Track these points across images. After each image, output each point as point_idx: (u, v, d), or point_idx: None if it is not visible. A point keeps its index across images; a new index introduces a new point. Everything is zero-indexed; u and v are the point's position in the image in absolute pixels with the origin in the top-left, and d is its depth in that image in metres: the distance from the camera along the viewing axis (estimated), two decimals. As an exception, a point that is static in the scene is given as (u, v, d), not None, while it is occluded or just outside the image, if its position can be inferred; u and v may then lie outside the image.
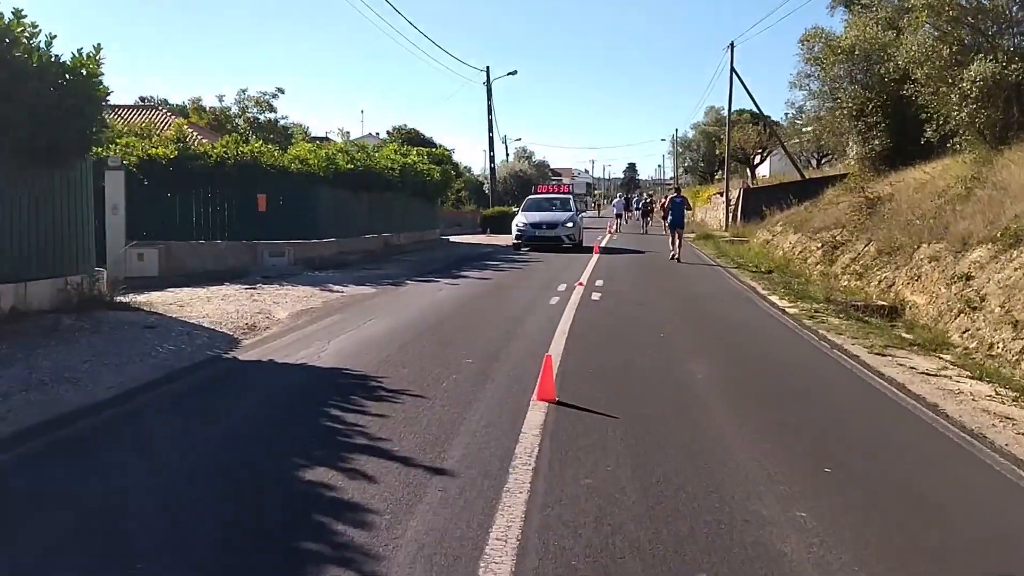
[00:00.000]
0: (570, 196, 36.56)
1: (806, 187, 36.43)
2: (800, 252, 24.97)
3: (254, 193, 20.03)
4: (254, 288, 15.72)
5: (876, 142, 28.15)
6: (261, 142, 24.35)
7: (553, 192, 37.69)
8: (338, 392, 7.74)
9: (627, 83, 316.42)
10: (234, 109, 60.76)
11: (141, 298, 13.10)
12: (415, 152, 34.31)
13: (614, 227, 45.95)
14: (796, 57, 42.63)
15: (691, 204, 36.27)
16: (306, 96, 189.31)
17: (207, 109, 59.84)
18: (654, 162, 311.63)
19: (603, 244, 32.60)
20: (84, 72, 10.39)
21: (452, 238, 38.95)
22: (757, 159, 57.02)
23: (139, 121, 29.84)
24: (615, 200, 56.56)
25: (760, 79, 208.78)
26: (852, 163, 47.93)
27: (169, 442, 6.31)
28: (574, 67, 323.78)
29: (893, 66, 24.54)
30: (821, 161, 52.72)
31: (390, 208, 28.88)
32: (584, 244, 30.67)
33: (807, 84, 31.53)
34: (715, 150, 74.44)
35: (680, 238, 26.25)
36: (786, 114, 54.47)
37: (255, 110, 61.88)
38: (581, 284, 17.38)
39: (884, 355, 10.27)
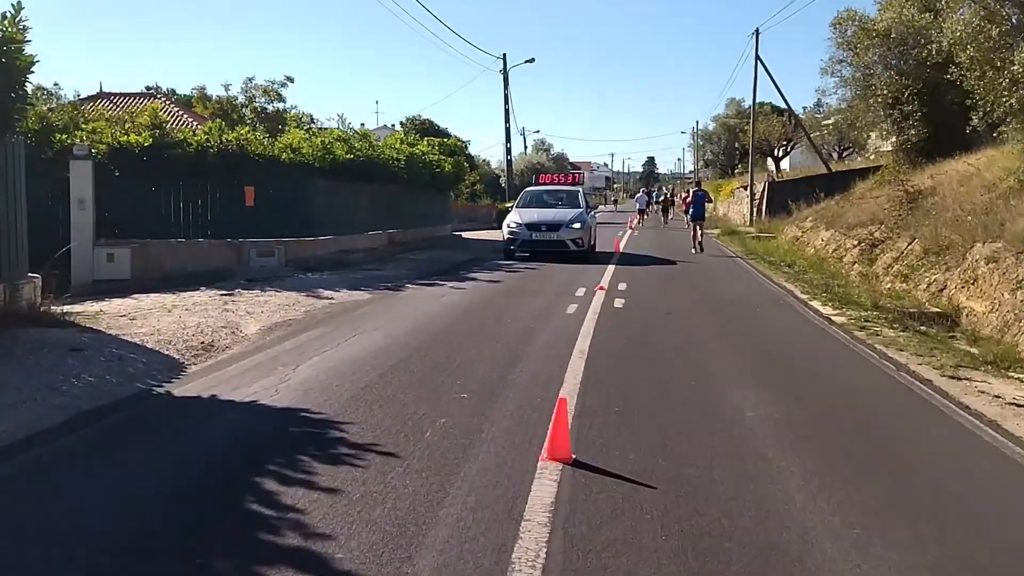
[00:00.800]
0: (579, 189, 29.02)
1: (832, 180, 34.67)
2: (835, 250, 23.16)
3: (240, 185, 18.12)
4: (231, 294, 13.90)
5: (912, 132, 26.09)
6: (248, 129, 22.37)
7: (559, 183, 31.92)
8: (285, 448, 5.80)
9: (647, 76, 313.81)
10: (241, 99, 59.05)
11: (92, 307, 11.29)
12: (424, 142, 32.35)
13: (635, 222, 44.17)
14: (827, 42, 40.22)
15: (712, 198, 35.64)
16: (318, 86, 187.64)
17: (212, 98, 58.14)
18: (673, 156, 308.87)
19: (624, 241, 30.65)
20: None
21: (465, 234, 37.02)
22: (781, 152, 54.64)
23: (139, 111, 27.95)
24: (638, 195, 54.88)
25: (784, 70, 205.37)
26: (872, 156, 46.19)
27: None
28: (593, 59, 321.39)
29: (935, 48, 22.47)
30: (843, 154, 50.59)
31: (396, 202, 26.89)
32: (600, 250, 24.83)
33: (838, 70, 29.34)
34: (735, 143, 72.67)
35: (701, 230, 26.89)
36: (804, 107, 52.43)
37: (263, 99, 60.16)
38: (602, 288, 15.44)
39: (959, 378, 8.49)
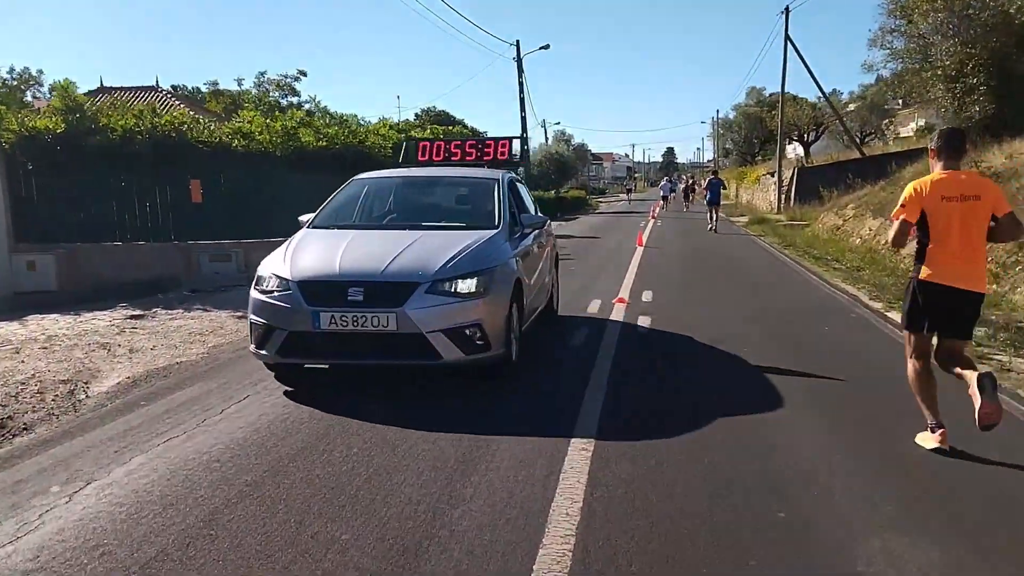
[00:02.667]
0: (501, 179, 8.60)
1: (865, 165, 30.92)
2: (887, 242, 19.24)
3: (186, 179, 14.51)
4: (141, 316, 10.35)
5: (976, 108, 22.10)
6: (190, 112, 18.69)
7: (454, 156, 12.76)
8: None
9: (667, 65, 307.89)
10: (254, 92, 55.58)
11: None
12: (427, 131, 28.62)
13: (658, 209, 41.82)
14: (878, 9, 35.97)
15: (726, 185, 38.13)
16: (335, 83, 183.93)
17: (224, 93, 54.74)
18: (693, 145, 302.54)
19: (647, 233, 26.81)
20: None
21: (475, 227, 33.32)
22: (811, 136, 50.35)
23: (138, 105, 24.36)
24: (662, 183, 57.07)
25: (809, 54, 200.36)
26: (892, 142, 42.15)
27: None
28: (612, 47, 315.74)
29: (1006, 13, 18.62)
30: (864, 139, 46.50)
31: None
32: (621, 244, 22.43)
33: (888, 41, 25.19)
34: (755, 132, 68.72)
35: (717, 213, 29.55)
36: (817, 97, 48.08)
37: (276, 94, 56.68)
38: (622, 301, 11.71)
39: None
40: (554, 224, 35.60)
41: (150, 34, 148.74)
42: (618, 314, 10.69)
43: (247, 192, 15.49)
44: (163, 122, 14.93)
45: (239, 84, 58.06)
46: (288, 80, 58.42)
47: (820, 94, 41.47)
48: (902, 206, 5.17)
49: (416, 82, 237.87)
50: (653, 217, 36.80)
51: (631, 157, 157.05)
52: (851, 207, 25.51)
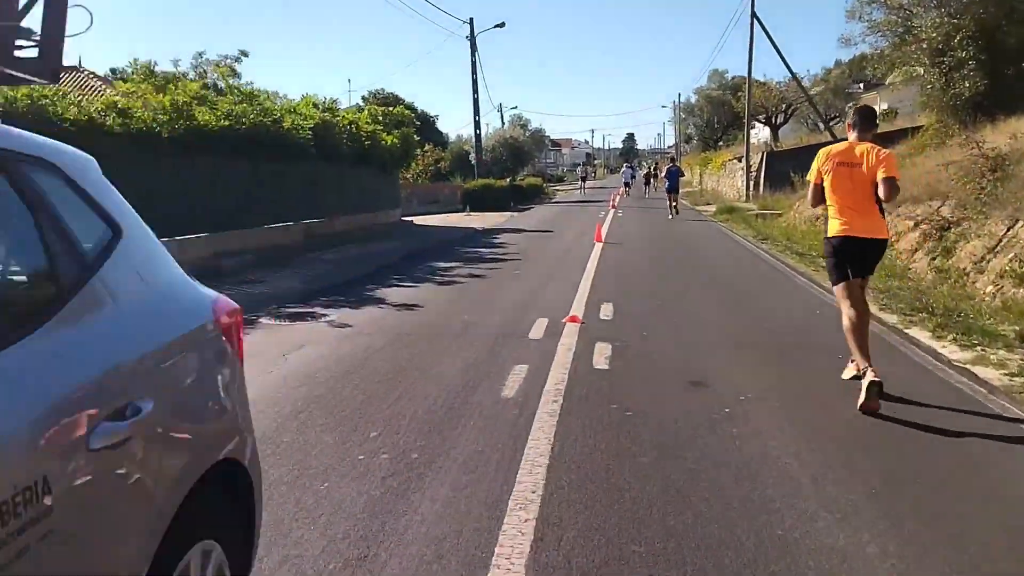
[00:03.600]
0: None
1: (838, 149, 28.39)
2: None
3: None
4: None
5: (966, 84, 19.92)
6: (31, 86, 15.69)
7: None
8: None
9: (627, 48, 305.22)
10: (191, 75, 52.03)
11: None
12: (364, 113, 25.80)
13: (617, 199, 39.56)
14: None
15: (683, 172, 38.50)
16: (281, 65, 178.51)
17: (157, 74, 51.11)
18: (654, 130, 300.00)
19: (607, 225, 24.36)
20: None
21: (420, 219, 30.51)
22: (779, 119, 48.11)
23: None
24: (623, 169, 58.34)
25: (782, 35, 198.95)
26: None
27: None
28: (571, 28, 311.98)
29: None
30: (829, 123, 44.56)
31: (313, 184, 20.17)
32: (575, 237, 20.04)
33: (868, 13, 22.82)
34: (717, 117, 66.67)
35: (676, 200, 30.22)
36: (777, 81, 45.93)
37: (215, 76, 53.13)
38: (575, 320, 9.16)
39: None
40: (506, 216, 33.49)
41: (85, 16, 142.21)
42: (569, 339, 8.15)
43: (126, 181, 12.63)
44: (19, 95, 12.06)
45: (176, 65, 54.52)
46: (228, 61, 54.96)
47: (788, 74, 39.27)
48: (813, 171, 6.22)
49: (369, 66, 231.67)
50: (613, 207, 34.49)
51: (591, 143, 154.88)
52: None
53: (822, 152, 6.21)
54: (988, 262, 11.89)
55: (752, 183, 35.26)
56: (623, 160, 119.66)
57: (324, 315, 10.02)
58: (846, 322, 5.97)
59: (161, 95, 14.56)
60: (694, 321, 9.57)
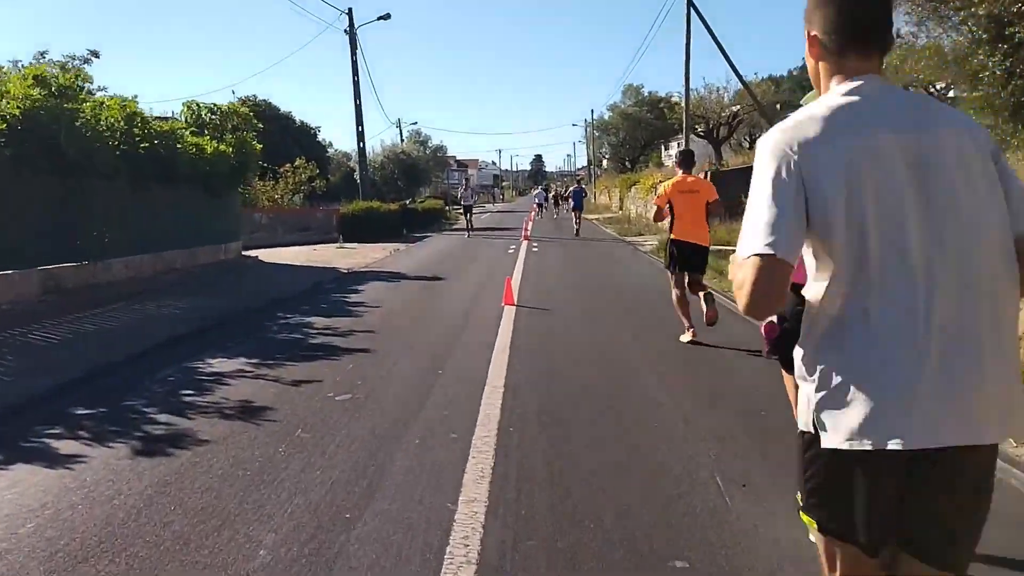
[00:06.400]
0: None
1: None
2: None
3: None
4: None
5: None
6: None
7: None
8: None
9: (537, 62, 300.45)
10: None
11: None
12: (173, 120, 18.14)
13: (530, 225, 33.60)
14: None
15: (586, 192, 41.72)
16: (141, 66, 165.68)
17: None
18: (564, 151, 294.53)
19: (520, 265, 17.37)
20: None
21: (271, 254, 22.76)
22: (722, 132, 41.73)
23: None
24: (536, 191, 62.26)
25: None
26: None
27: None
28: (480, 43, 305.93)
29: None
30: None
31: (82, 209, 13.10)
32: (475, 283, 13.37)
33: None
34: (637, 133, 61.24)
35: (580, 218, 31.62)
36: (717, 88, 40.16)
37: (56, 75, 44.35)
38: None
39: None
40: (389, 249, 25.88)
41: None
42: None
43: None
44: None
45: (15, 65, 45.51)
46: (76, 62, 46.32)
47: (734, 70, 33.16)
48: (659, 197, 8.84)
49: (242, 66, 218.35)
50: (527, 237, 27.41)
51: (498, 164, 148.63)
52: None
53: (667, 183, 9.02)
54: None
55: (693, 210, 28.72)
56: (532, 182, 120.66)
57: None
58: (674, 298, 8.96)
59: None
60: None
